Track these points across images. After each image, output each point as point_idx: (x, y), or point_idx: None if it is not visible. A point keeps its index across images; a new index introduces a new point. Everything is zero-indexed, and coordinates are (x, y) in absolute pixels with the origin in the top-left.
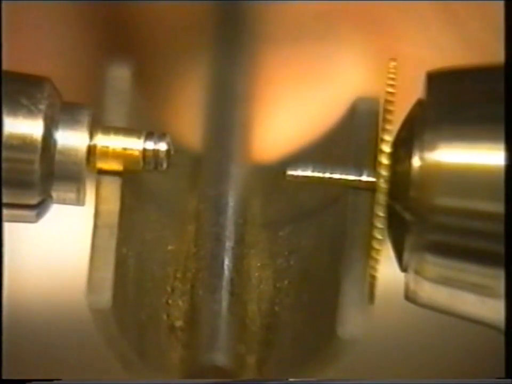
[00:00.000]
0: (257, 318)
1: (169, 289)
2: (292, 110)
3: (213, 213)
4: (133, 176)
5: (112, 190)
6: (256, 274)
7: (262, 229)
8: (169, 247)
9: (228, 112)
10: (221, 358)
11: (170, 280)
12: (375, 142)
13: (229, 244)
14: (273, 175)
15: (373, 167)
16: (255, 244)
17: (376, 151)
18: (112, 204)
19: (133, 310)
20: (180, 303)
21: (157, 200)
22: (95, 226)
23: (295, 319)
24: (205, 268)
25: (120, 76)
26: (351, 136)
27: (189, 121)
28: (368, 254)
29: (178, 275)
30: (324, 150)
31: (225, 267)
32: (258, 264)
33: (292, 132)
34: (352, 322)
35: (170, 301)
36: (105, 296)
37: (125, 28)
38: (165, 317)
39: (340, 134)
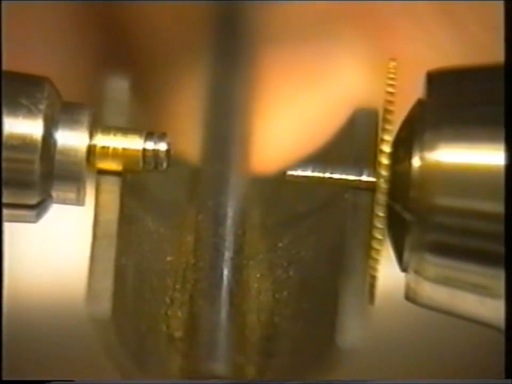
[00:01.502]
0: (257, 328)
1: (168, 300)
2: (290, 119)
3: (212, 224)
4: (132, 186)
5: (111, 198)
6: (256, 285)
7: (261, 239)
8: (168, 258)
9: (226, 122)
10: (220, 368)
11: (170, 291)
12: (375, 150)
13: (228, 255)
14: (272, 185)
15: (373, 167)
16: (255, 255)
17: (376, 151)
18: (112, 214)
19: (132, 320)
20: (179, 313)
21: (156, 211)
22: (94, 236)
23: (295, 329)
24: (204, 279)
25: (118, 86)
26: (351, 145)
27: (188, 131)
28: (368, 254)
29: (178, 286)
30: (324, 159)
31: (225, 278)
32: (258, 275)
33: (291, 142)
34: (352, 331)
35: (169, 312)
36: (105, 305)
37: (122, 38)
38: (164, 327)
39: (340, 143)
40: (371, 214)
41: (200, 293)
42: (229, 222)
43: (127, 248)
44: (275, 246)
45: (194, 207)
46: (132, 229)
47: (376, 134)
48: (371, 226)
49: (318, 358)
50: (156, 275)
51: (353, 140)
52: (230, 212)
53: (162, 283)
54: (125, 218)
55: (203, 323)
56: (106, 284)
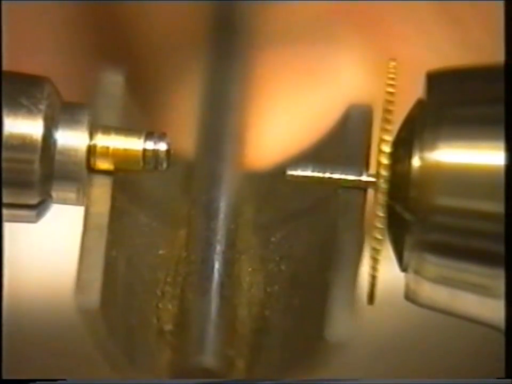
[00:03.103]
0: (247, 321)
1: (159, 293)
2: (285, 115)
3: (204, 218)
4: (124, 179)
5: (102, 192)
6: (247, 279)
7: (253, 234)
8: (160, 252)
9: (221, 117)
10: (210, 361)
11: (161, 284)
12: (368, 146)
13: (219, 249)
14: (265, 180)
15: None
16: (247, 249)
17: (376, 151)
18: (102, 206)
19: (122, 312)
20: (170, 307)
21: (149, 204)
22: (85, 228)
23: (285, 323)
24: (196, 272)
25: (113, 81)
26: (345, 141)
27: (182, 126)
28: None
29: (169, 279)
30: (318, 155)
31: (216, 271)
32: (249, 269)
33: (286, 137)
34: (341, 325)
35: (160, 305)
36: (93, 297)
37: (119, 33)
38: (154, 320)
39: (334, 140)
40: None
41: (191, 286)
42: (221, 216)
43: (118, 241)
44: (267, 241)
45: (187, 201)
46: (124, 222)
47: (370, 129)
48: (371, 227)
49: (308, 352)
50: (147, 268)
51: (346, 136)
52: (223, 207)
53: (153, 276)
54: (117, 212)
55: (193, 316)
56: (96, 275)
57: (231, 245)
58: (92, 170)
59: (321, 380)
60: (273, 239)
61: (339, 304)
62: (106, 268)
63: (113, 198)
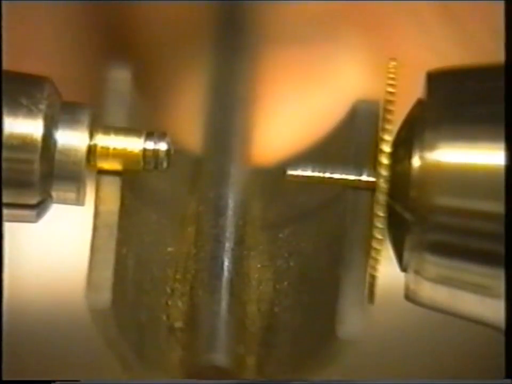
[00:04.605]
0: (257, 318)
1: (169, 290)
2: (292, 112)
3: (212, 215)
4: (133, 177)
5: (112, 190)
6: (256, 275)
7: (262, 230)
8: (169, 249)
9: (228, 114)
10: (220, 358)
11: (170, 281)
12: (375, 143)
13: (228, 245)
14: (273, 177)
15: (373, 167)
16: (255, 246)
17: (376, 151)
18: (112, 205)
19: (132, 310)
20: (180, 304)
21: (157, 201)
22: (95, 227)
23: (295, 320)
24: (205, 269)
25: (120, 77)
26: (351, 138)
27: (190, 123)
28: (368, 254)
29: (178, 276)
30: (324, 152)
31: (225, 268)
32: (258, 266)
33: (292, 134)
34: (351, 322)
35: (169, 302)
36: (105, 296)
37: (125, 30)
38: (164, 317)
39: (340, 137)
40: (371, 214)
41: (201, 283)
42: (230, 213)
43: (127, 239)
44: (276, 237)
45: (195, 198)
46: (133, 220)
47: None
48: (371, 226)
49: (318, 348)
50: (157, 266)
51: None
52: (231, 203)
53: (163, 273)
54: (126, 210)
55: (203, 313)
56: (107, 274)
57: (239, 241)
58: (99, 170)
59: (328, 381)
60: (281, 235)
61: (349, 301)
62: (116, 266)
63: (123, 197)
